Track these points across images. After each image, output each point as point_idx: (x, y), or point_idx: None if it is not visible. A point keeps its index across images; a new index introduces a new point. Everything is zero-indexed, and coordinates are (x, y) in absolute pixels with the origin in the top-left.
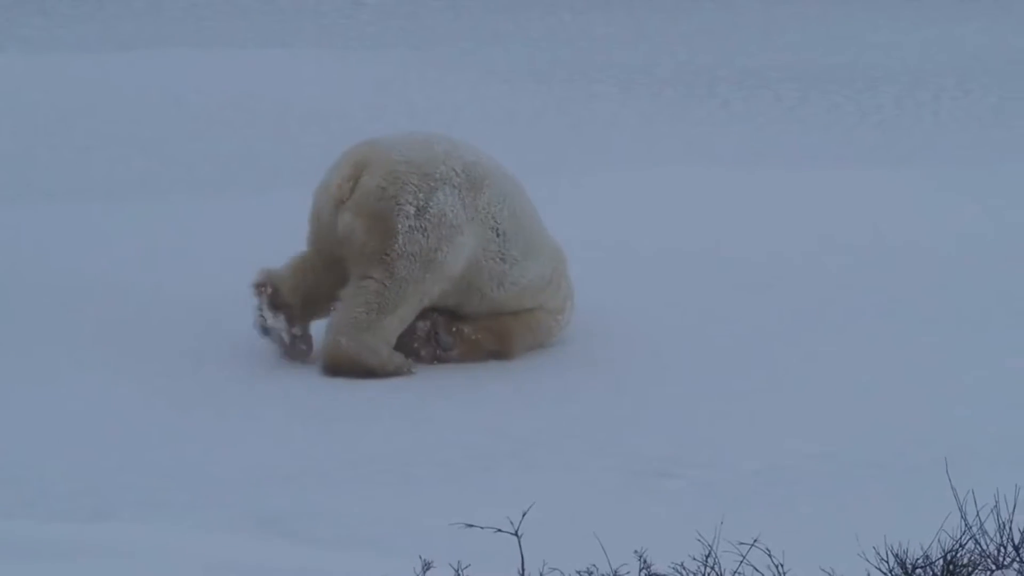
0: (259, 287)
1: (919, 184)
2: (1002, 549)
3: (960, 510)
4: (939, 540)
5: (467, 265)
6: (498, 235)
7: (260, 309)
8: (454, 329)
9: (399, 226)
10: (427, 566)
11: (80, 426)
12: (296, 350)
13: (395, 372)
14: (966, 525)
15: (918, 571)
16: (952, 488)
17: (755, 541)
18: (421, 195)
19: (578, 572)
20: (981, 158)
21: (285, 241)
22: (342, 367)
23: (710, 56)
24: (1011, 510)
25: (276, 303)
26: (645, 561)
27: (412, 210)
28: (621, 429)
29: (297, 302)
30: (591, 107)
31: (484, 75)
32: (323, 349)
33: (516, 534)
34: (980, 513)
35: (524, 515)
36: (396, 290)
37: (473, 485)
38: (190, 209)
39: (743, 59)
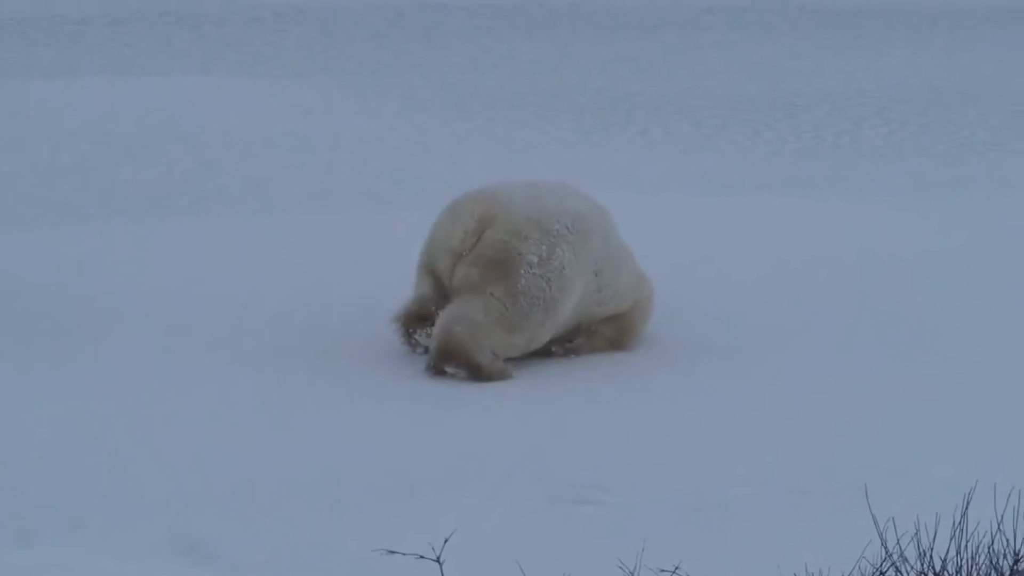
0: (405, 326)
1: (837, 210)
2: None
3: (880, 538)
4: (860, 568)
5: (573, 307)
6: (596, 275)
7: (417, 337)
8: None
9: (522, 271)
10: None
11: None
12: None
13: (499, 375)
14: (886, 553)
15: None
16: (872, 516)
17: (676, 568)
18: (544, 247)
19: None
20: (900, 186)
21: (208, 267)
22: (454, 355)
23: (630, 83)
24: (931, 538)
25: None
26: None
27: (535, 259)
28: (546, 454)
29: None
30: (511, 133)
31: (405, 102)
32: (436, 336)
33: (438, 560)
34: (900, 541)
35: (446, 541)
36: (514, 315)
37: (399, 510)
38: (112, 234)
39: (663, 86)
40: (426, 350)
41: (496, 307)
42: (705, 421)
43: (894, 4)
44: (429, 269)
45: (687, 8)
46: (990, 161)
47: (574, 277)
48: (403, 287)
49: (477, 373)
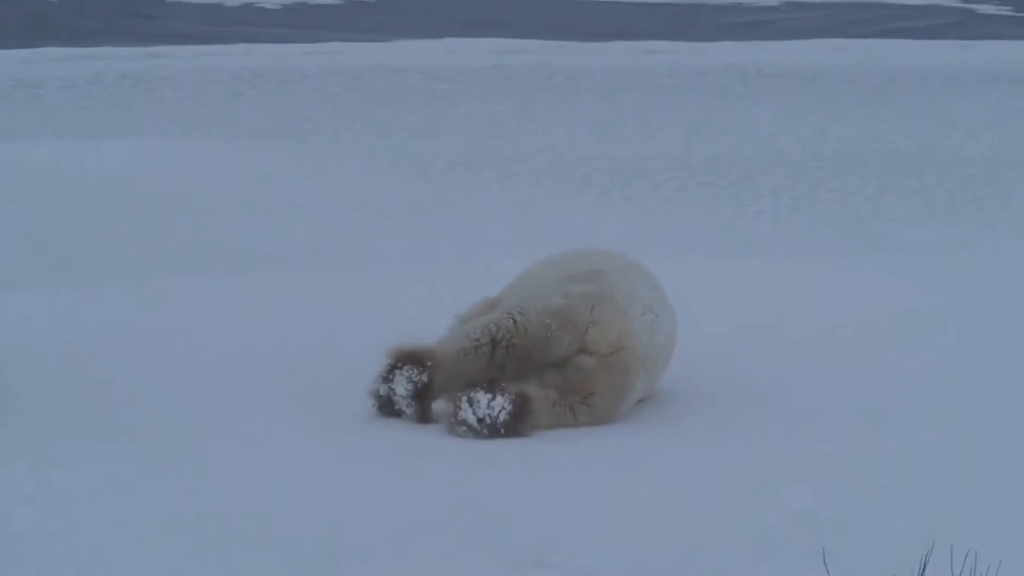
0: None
1: (793, 272)
2: None
3: None
4: None
5: None
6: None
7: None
8: None
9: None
10: None
11: None
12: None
13: None
14: None
15: None
16: None
17: None
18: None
19: None
20: (858, 249)
21: (162, 331)
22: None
23: (589, 146)
24: None
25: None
26: None
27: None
28: (504, 516)
29: None
30: (471, 196)
31: (362, 166)
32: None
33: None
34: None
35: None
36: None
37: (352, 573)
38: (65, 298)
39: (622, 149)
40: (390, 395)
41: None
42: (664, 483)
43: (852, 67)
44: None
45: (646, 72)
46: (948, 224)
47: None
48: (358, 347)
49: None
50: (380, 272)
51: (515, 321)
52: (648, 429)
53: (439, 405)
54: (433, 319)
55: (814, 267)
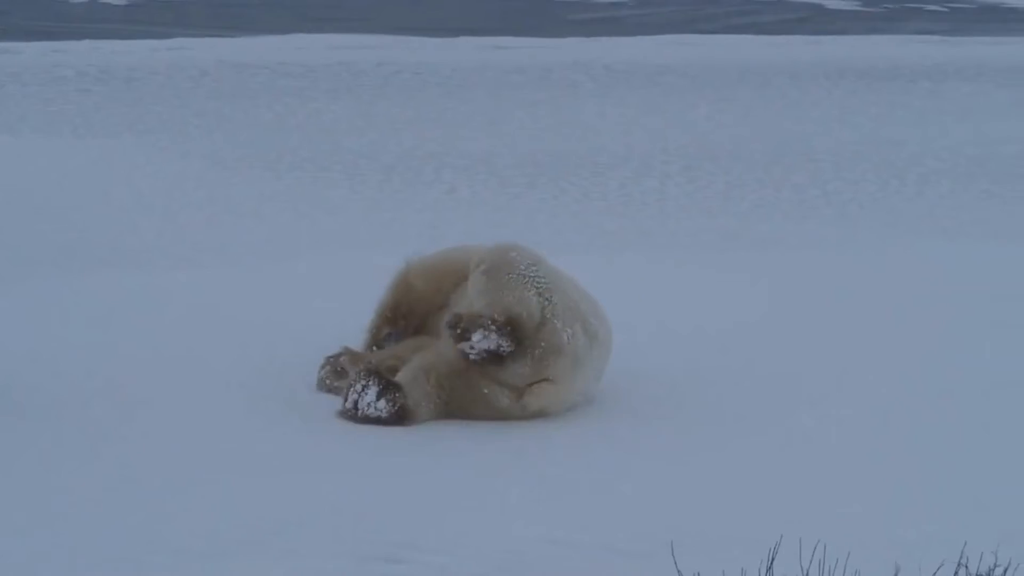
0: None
1: (641, 269)
2: None
3: None
4: None
5: None
6: None
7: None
8: None
9: None
10: None
11: None
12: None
13: None
14: None
15: None
16: (678, 571)
17: None
18: None
19: None
20: (708, 243)
21: (18, 333)
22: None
23: (437, 142)
24: None
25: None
26: None
27: None
28: (356, 514)
29: None
30: (319, 193)
31: (211, 162)
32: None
33: None
34: None
35: None
36: None
37: (206, 573)
38: None
39: (470, 145)
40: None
41: None
42: (515, 482)
43: (698, 63)
44: None
45: (493, 67)
46: (796, 219)
47: None
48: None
49: None
50: (231, 269)
51: (541, 309)
52: (502, 431)
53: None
54: (289, 316)
55: (661, 263)
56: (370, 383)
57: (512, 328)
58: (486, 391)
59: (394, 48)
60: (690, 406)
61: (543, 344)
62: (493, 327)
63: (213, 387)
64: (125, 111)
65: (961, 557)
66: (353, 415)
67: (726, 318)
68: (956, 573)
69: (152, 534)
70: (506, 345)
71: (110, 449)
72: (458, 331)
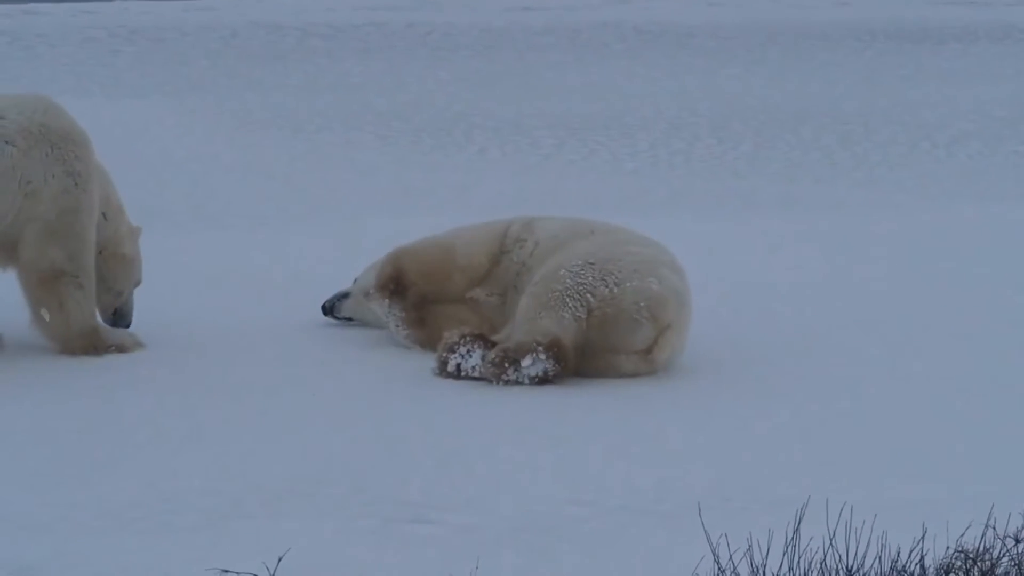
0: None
1: (671, 231)
2: None
3: (713, 553)
4: None
5: None
6: None
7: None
8: None
9: None
10: None
11: None
12: None
13: None
14: (719, 568)
15: None
16: (705, 531)
17: None
18: None
19: None
20: (733, 206)
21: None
22: None
23: (468, 103)
24: (764, 553)
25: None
26: None
27: None
28: (377, 475)
29: None
30: (349, 155)
31: (241, 123)
32: None
33: None
34: (733, 557)
35: (280, 560)
36: None
37: (229, 533)
38: None
39: (500, 107)
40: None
41: None
42: (538, 443)
43: (728, 24)
44: None
45: (523, 29)
46: (823, 180)
47: None
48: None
49: None
50: (261, 231)
51: (610, 291)
52: (523, 393)
53: None
54: (317, 277)
55: (692, 224)
56: (475, 347)
57: (557, 350)
58: (613, 360)
59: (424, 9)
60: (717, 368)
61: (642, 304)
62: (541, 351)
63: (237, 347)
64: (155, 72)
65: (989, 519)
66: (455, 376)
67: (753, 278)
68: (983, 534)
69: (174, 493)
70: (552, 368)
71: (129, 405)
72: (505, 363)
